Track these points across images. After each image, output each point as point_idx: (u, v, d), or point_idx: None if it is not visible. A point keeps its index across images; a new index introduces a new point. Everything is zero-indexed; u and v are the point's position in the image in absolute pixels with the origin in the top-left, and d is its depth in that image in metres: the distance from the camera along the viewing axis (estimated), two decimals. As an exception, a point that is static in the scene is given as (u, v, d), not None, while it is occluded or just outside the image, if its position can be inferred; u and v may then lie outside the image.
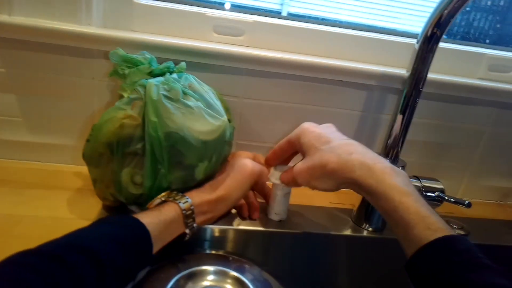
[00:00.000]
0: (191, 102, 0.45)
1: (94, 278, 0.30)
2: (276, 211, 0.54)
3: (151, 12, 0.59)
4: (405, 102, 0.52)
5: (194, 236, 0.46)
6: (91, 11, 0.54)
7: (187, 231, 0.43)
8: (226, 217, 0.52)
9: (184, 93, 0.45)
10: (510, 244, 0.61)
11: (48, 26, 0.52)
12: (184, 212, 0.43)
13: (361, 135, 0.65)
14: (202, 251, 0.50)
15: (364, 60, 0.63)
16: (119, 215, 0.38)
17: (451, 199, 0.53)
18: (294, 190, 0.54)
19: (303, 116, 0.63)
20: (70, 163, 0.60)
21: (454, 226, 0.60)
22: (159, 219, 0.39)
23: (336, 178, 0.42)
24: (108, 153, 0.44)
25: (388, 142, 0.54)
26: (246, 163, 0.50)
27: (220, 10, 0.61)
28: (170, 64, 0.50)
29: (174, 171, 0.45)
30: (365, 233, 0.57)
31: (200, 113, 0.45)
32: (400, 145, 0.54)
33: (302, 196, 0.59)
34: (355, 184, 0.41)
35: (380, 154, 0.55)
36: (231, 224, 0.52)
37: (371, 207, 0.56)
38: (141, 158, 0.44)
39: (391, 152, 0.54)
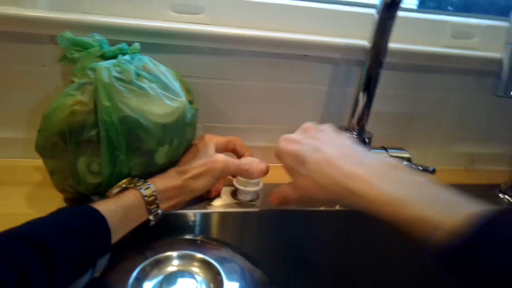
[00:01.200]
0: (145, 84, 0.43)
1: (42, 269, 0.28)
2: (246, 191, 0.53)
3: (102, -8, 0.55)
4: (368, 73, 0.51)
5: (164, 223, 0.45)
6: (34, -8, 0.51)
7: (151, 217, 0.42)
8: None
9: (138, 75, 0.43)
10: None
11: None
12: (146, 198, 0.42)
13: (329, 109, 0.64)
14: (172, 237, 0.49)
15: (328, 34, 0.62)
16: (74, 205, 0.37)
17: (419, 167, 0.53)
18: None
19: (270, 94, 0.62)
20: (26, 157, 0.57)
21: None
22: (116, 205, 0.38)
23: (322, 200, 0.42)
24: (61, 143, 0.42)
25: (354, 115, 0.54)
26: (217, 160, 0.48)
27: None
28: (123, 45, 0.47)
29: (134, 156, 0.43)
30: (337, 206, 0.57)
31: (156, 95, 0.43)
32: (365, 117, 0.53)
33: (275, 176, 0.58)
34: (342, 202, 0.36)
35: (347, 127, 0.55)
36: (201, 208, 0.51)
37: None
38: (97, 145, 0.42)
39: (357, 124, 0.54)
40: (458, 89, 0.68)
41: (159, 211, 0.43)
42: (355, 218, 0.57)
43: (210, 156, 0.49)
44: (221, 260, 0.40)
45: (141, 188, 0.42)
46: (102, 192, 0.44)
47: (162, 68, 0.48)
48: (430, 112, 0.69)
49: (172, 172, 0.47)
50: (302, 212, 0.55)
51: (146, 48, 0.53)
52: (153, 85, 0.44)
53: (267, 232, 0.54)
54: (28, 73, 0.53)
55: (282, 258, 0.57)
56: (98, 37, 0.47)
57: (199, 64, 0.57)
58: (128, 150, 0.42)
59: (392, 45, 0.51)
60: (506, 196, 0.64)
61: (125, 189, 0.42)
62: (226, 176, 0.51)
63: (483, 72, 0.66)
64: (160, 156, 0.45)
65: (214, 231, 0.52)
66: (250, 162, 0.51)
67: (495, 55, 0.63)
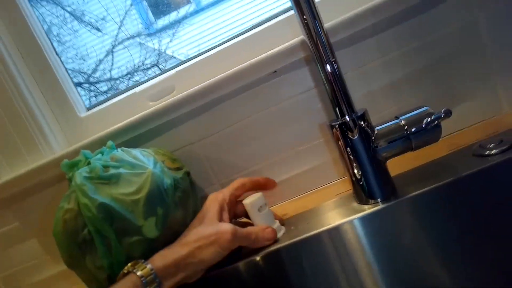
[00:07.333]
0: (112, 171, 0.46)
1: None
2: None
3: (99, 115, 0.65)
4: (320, 60, 0.45)
5: None
6: (49, 143, 0.63)
7: None
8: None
9: (106, 167, 0.47)
10: None
11: (24, 171, 0.61)
12: (143, 279, 0.41)
13: (325, 106, 0.57)
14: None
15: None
16: None
17: (430, 118, 0.41)
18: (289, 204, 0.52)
19: (265, 124, 0.59)
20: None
21: (486, 147, 0.45)
22: None
23: None
24: (73, 252, 0.47)
25: (333, 103, 0.47)
26: (225, 231, 0.45)
27: (146, 82, 0.65)
28: (102, 149, 0.53)
29: (124, 239, 0.45)
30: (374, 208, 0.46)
31: (122, 178, 0.46)
32: (344, 98, 0.45)
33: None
34: None
35: (336, 115, 0.48)
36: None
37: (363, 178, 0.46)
38: (92, 241, 0.45)
39: (343, 109, 0.46)
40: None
41: None
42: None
43: (217, 225, 0.46)
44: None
45: (137, 271, 0.42)
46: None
47: (135, 151, 0.51)
48: (463, 47, 0.54)
49: (175, 244, 0.46)
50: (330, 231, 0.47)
51: (139, 140, 0.59)
52: (120, 170, 0.47)
53: (297, 265, 0.47)
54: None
55: None
56: (82, 151, 0.54)
57: (184, 131, 0.60)
58: (117, 235, 0.44)
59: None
60: None
61: (126, 274, 0.43)
62: (235, 247, 0.47)
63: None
64: (150, 229, 0.45)
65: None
66: (257, 230, 0.48)
67: None
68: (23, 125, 0.62)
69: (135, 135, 0.59)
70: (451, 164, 0.47)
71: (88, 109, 0.67)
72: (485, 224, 0.43)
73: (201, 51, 0.65)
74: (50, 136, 0.63)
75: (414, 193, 0.45)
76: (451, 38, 0.54)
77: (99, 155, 0.50)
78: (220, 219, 0.47)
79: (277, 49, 0.55)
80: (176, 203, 0.49)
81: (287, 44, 0.55)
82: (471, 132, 0.54)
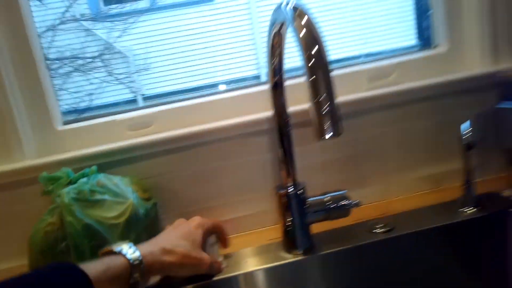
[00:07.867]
0: (98, 196, 0.55)
1: None
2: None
3: (74, 132, 0.72)
4: (279, 136, 0.61)
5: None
6: (22, 148, 0.67)
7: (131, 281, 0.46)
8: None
9: (92, 191, 0.56)
10: (440, 224, 0.65)
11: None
12: (132, 268, 0.47)
13: (269, 170, 0.73)
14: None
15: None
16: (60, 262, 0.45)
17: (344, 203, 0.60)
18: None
19: (222, 173, 0.72)
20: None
21: (376, 227, 0.65)
22: (103, 265, 0.45)
23: None
24: (44, 260, 0.54)
25: (282, 172, 0.62)
26: (205, 261, 0.55)
27: (129, 112, 0.74)
28: (85, 170, 0.61)
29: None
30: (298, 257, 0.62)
31: (106, 203, 0.55)
32: (291, 171, 0.62)
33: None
34: None
35: (282, 182, 0.63)
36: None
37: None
38: (68, 253, 0.53)
39: (289, 180, 0.62)
40: (391, 121, 0.75)
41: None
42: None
43: (201, 253, 0.55)
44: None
45: (130, 258, 0.47)
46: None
47: (116, 178, 0.61)
48: (375, 149, 0.75)
49: (161, 247, 0.51)
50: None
51: (112, 165, 0.67)
52: (104, 196, 0.56)
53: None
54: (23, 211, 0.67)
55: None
56: (65, 169, 0.61)
57: (156, 165, 0.70)
58: (93, 250, 0.53)
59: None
60: (465, 209, 0.67)
61: (113, 253, 0.48)
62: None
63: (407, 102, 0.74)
64: (121, 250, 0.55)
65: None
66: (213, 261, 0.58)
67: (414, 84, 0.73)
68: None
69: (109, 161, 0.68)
70: (352, 233, 0.65)
71: (65, 123, 0.73)
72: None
73: (180, 98, 0.77)
74: (23, 139, 0.68)
75: (325, 252, 0.62)
76: (369, 141, 0.75)
77: (85, 179, 0.58)
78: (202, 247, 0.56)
79: (247, 117, 0.70)
80: (146, 229, 0.59)
81: (256, 115, 0.70)
82: (372, 209, 0.74)
